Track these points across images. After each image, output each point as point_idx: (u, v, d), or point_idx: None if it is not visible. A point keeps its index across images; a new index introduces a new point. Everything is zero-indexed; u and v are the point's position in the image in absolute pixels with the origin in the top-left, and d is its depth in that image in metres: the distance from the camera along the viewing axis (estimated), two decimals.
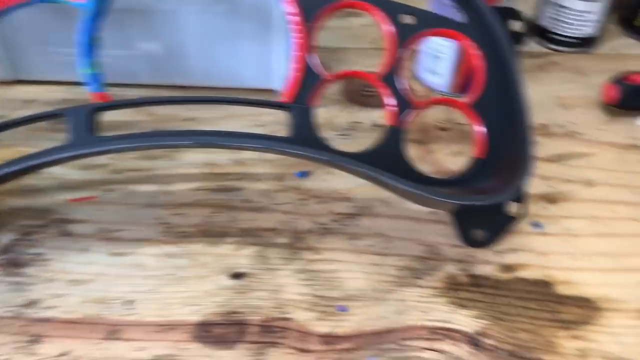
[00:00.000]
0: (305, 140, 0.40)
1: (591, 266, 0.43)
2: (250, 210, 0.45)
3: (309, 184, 0.47)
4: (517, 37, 0.44)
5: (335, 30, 0.63)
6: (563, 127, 0.54)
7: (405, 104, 0.42)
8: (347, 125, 0.53)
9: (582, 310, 0.40)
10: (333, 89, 0.56)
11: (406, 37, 0.42)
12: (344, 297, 0.40)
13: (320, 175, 0.48)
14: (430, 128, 0.53)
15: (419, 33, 0.42)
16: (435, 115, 0.54)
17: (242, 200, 0.45)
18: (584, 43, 0.62)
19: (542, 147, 0.52)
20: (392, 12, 0.42)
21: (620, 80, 0.54)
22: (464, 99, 0.44)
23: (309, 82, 0.41)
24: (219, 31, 0.51)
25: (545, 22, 0.62)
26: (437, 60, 0.55)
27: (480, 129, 0.43)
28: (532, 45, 0.64)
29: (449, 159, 0.50)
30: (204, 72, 0.54)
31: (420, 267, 0.42)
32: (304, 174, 0.48)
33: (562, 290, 0.41)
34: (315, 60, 0.41)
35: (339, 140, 0.51)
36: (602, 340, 0.38)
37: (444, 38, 0.49)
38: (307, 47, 0.41)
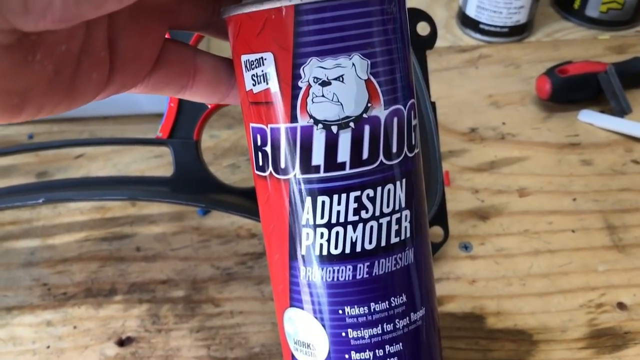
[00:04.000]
0: (187, 178, 0.35)
1: (525, 291, 0.38)
2: (143, 260, 0.40)
3: (210, 221, 0.42)
4: (427, 41, 0.39)
5: None
6: (495, 129, 0.49)
7: None
8: None
9: (515, 346, 0.36)
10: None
11: None
12: (247, 357, 0.35)
13: None
14: None
15: None
16: None
17: (133, 249, 0.40)
18: (517, 31, 0.57)
19: (472, 154, 0.47)
20: None
21: (552, 72, 0.49)
22: None
23: (188, 115, 0.36)
24: None
25: (473, 12, 0.57)
26: None
27: None
28: (462, 38, 0.59)
29: None
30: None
31: None
32: (205, 211, 0.42)
33: (494, 323, 0.37)
34: None
35: (246, 166, 0.46)
36: None
37: None
38: None
